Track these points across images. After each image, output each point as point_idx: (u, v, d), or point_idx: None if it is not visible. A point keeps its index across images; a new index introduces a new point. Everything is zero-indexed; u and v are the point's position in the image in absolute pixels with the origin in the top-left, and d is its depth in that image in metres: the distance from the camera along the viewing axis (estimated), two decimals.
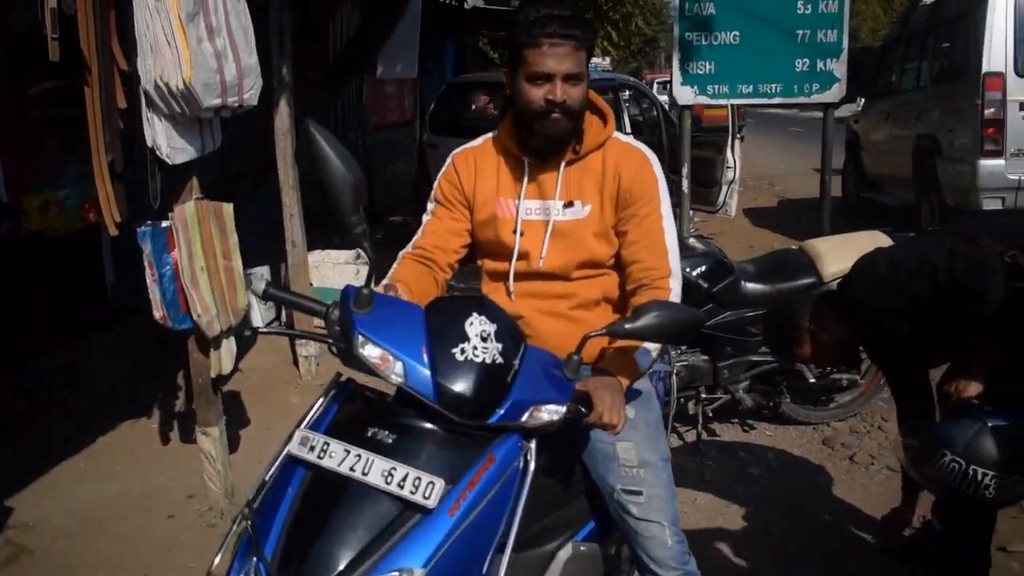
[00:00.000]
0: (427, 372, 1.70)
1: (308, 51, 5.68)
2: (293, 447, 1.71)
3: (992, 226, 3.10)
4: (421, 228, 2.34)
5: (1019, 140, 7.26)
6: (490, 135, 2.34)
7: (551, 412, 1.81)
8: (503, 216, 2.26)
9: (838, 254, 4.34)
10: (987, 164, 7.32)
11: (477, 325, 1.77)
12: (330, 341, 1.80)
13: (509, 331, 1.83)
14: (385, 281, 2.11)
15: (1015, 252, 2.72)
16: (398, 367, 1.70)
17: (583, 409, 1.89)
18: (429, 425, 1.73)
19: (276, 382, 5.36)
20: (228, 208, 3.69)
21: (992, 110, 7.24)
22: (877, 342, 2.96)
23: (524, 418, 1.78)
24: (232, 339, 3.79)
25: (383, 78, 9.85)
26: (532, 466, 1.80)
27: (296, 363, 5.54)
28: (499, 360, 1.76)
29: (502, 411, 1.74)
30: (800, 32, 5.92)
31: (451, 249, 2.32)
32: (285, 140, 4.98)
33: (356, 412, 1.80)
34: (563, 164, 2.22)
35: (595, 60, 23.05)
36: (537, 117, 2.12)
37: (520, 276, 2.26)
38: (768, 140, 21.41)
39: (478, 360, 1.73)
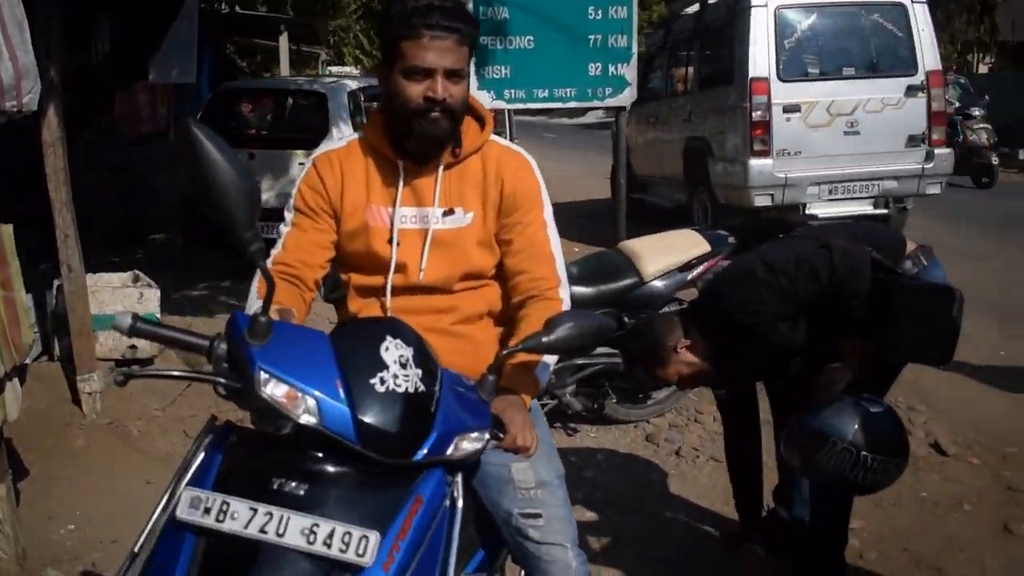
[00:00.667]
0: (345, 408, 1.46)
1: (73, 54, 5.09)
2: (182, 511, 1.42)
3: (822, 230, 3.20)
4: (280, 242, 2.07)
5: (784, 140, 7.78)
6: (354, 136, 2.11)
7: (474, 441, 1.64)
8: (376, 225, 2.04)
9: (657, 253, 4.41)
10: (757, 163, 7.78)
11: (394, 350, 1.55)
12: (220, 381, 1.51)
13: (425, 353, 1.63)
14: (254, 305, 1.83)
15: (870, 248, 2.82)
16: (309, 404, 1.45)
17: (500, 435, 1.73)
18: (344, 468, 1.49)
19: (55, 424, 4.74)
20: (7, 231, 3.20)
21: (759, 112, 7.71)
22: (752, 351, 2.93)
23: (449, 451, 1.58)
24: (16, 381, 3.30)
25: (157, 82, 9.14)
26: (460, 503, 1.61)
27: (77, 401, 4.94)
28: (421, 388, 1.56)
29: (428, 445, 1.54)
30: (592, 37, 6.00)
31: (317, 264, 2.07)
32: (55, 152, 4.40)
33: (249, 461, 1.53)
34: (441, 168, 2.03)
35: (346, 68, 22.70)
36: (415, 116, 1.92)
37: (397, 291, 2.05)
38: (524, 146, 21.77)
39: (400, 390, 1.52)
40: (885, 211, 8.07)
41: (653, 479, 4.22)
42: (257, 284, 1.96)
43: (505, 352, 1.76)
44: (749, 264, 2.80)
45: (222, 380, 1.50)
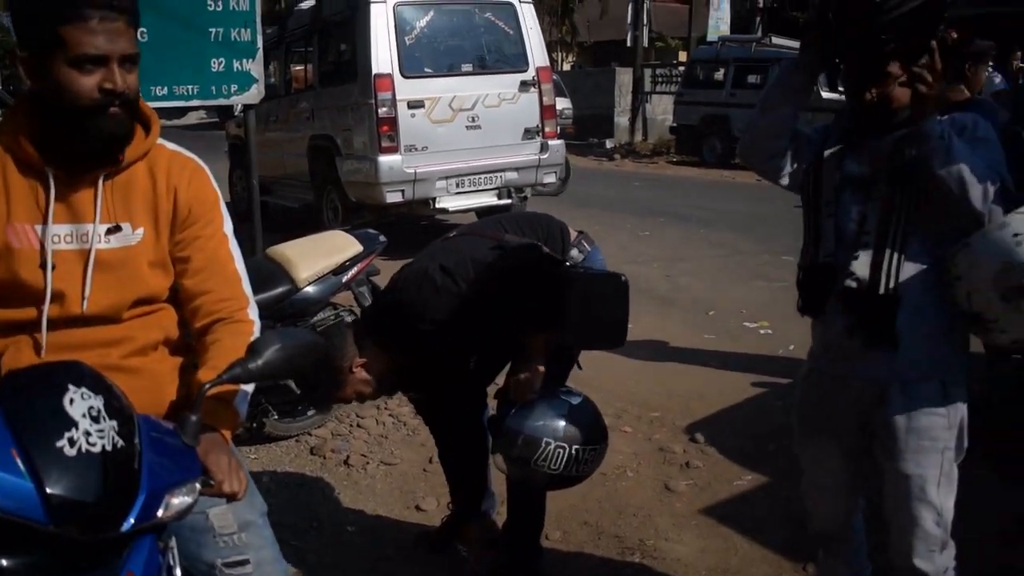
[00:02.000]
0: (26, 482, 1.16)
1: None
2: None
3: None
4: None
5: (411, 136, 7.87)
6: None
7: (185, 494, 1.39)
8: (22, 247, 1.68)
9: (308, 258, 4.20)
10: (386, 160, 7.79)
11: (80, 402, 1.26)
12: None
13: (117, 400, 1.35)
14: None
15: (540, 240, 2.86)
16: None
17: (211, 481, 1.50)
18: (30, 559, 1.19)
19: None
20: None
21: (385, 109, 7.72)
22: (435, 357, 2.83)
23: (161, 512, 1.33)
24: None
25: None
26: (178, 571, 1.36)
27: None
28: (120, 443, 1.28)
29: (136, 511, 1.27)
30: (213, 31, 5.57)
31: None
32: None
33: None
34: (101, 178, 1.72)
35: None
36: (91, 113, 1.60)
37: (54, 324, 1.71)
38: None
39: (96, 449, 1.24)
40: (509, 201, 8.45)
41: (327, 494, 4.03)
42: None
43: (208, 385, 1.52)
44: (426, 271, 2.71)
45: None
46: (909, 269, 2.07)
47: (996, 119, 4.33)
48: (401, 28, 7.81)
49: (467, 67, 8.28)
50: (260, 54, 5.71)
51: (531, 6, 8.50)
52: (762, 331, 5.87)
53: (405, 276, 2.79)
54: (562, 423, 2.66)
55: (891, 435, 2.16)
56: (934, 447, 2.14)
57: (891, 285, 2.06)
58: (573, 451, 2.64)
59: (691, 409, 4.68)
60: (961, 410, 2.17)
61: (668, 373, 5.28)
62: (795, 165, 2.27)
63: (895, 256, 2.06)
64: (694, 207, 11.22)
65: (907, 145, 2.05)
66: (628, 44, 21.85)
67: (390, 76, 7.69)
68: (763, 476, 3.89)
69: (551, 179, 8.71)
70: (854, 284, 2.09)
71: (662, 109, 20.62)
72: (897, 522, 2.21)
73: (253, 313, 1.89)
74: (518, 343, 2.80)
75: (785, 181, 2.29)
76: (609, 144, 19.93)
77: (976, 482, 2.49)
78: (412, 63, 7.93)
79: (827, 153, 2.20)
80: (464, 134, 8.11)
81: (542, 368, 2.72)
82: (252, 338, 1.70)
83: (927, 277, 2.08)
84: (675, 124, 17.44)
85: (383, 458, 4.28)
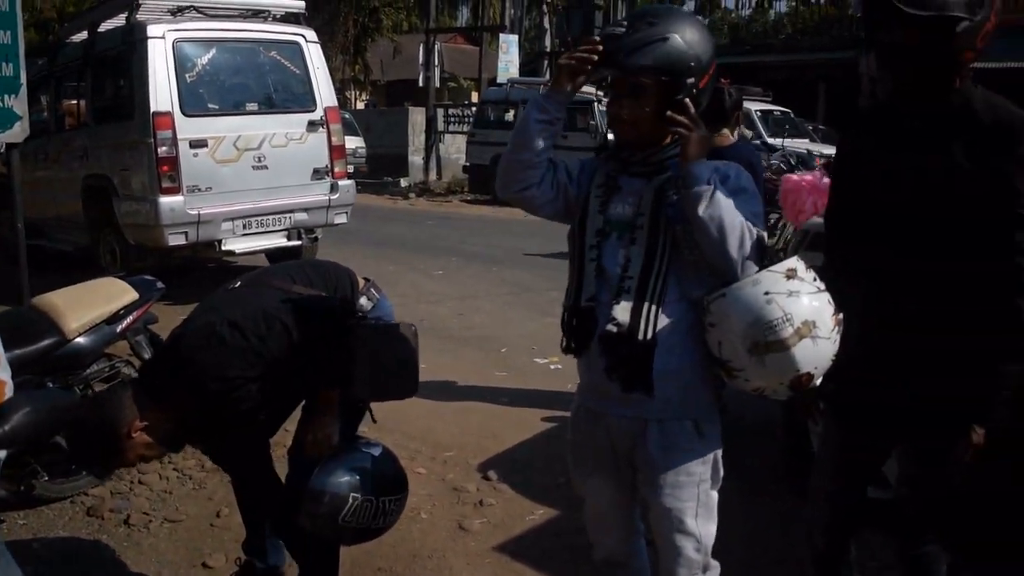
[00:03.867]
0: None
1: None
2: None
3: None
4: None
5: (194, 176, 7.58)
6: None
7: None
8: None
9: (78, 307, 3.96)
10: (167, 201, 7.47)
11: None
12: None
13: None
14: None
15: (329, 288, 2.83)
16: None
17: None
18: None
19: None
20: None
21: (165, 148, 7.41)
22: (222, 415, 2.68)
23: None
24: None
25: None
26: None
27: None
28: None
29: None
30: None
31: None
32: None
33: None
34: None
35: None
36: None
37: None
38: None
39: None
40: (299, 242, 8.29)
41: (106, 557, 3.77)
42: None
43: None
44: (213, 327, 2.59)
45: None
46: (668, 314, 2.17)
47: (759, 162, 4.67)
48: (181, 65, 7.54)
49: (252, 106, 8.08)
50: (24, 90, 5.36)
51: (318, 45, 8.44)
52: (552, 366, 6.02)
53: (190, 332, 2.66)
54: (367, 476, 2.64)
55: (650, 471, 2.28)
56: (691, 481, 2.26)
57: (650, 331, 2.15)
58: (380, 503, 2.64)
59: (484, 447, 4.74)
60: (715, 445, 2.31)
61: (461, 412, 5.33)
62: (554, 195, 2.29)
63: (655, 301, 2.15)
64: (486, 245, 11.44)
65: (671, 188, 2.17)
66: (420, 84, 22.11)
67: (170, 114, 7.40)
68: (554, 509, 3.99)
69: (342, 219, 8.63)
70: (614, 329, 2.16)
71: (456, 148, 20.96)
72: (662, 550, 2.33)
73: (4, 374, 1.76)
74: (309, 398, 2.75)
75: (545, 211, 2.33)
76: (404, 183, 20.05)
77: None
78: (194, 101, 7.65)
79: (592, 195, 2.27)
80: (250, 174, 7.90)
81: (336, 421, 2.69)
82: None
83: (685, 321, 2.18)
84: (468, 163, 17.76)
85: (167, 515, 4.06)
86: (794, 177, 7.04)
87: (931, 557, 2.43)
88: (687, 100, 2.12)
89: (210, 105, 7.86)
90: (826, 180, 7.75)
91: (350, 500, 2.61)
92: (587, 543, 2.62)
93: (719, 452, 2.32)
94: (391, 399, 2.94)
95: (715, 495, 2.32)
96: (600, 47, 2.11)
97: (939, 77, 2.14)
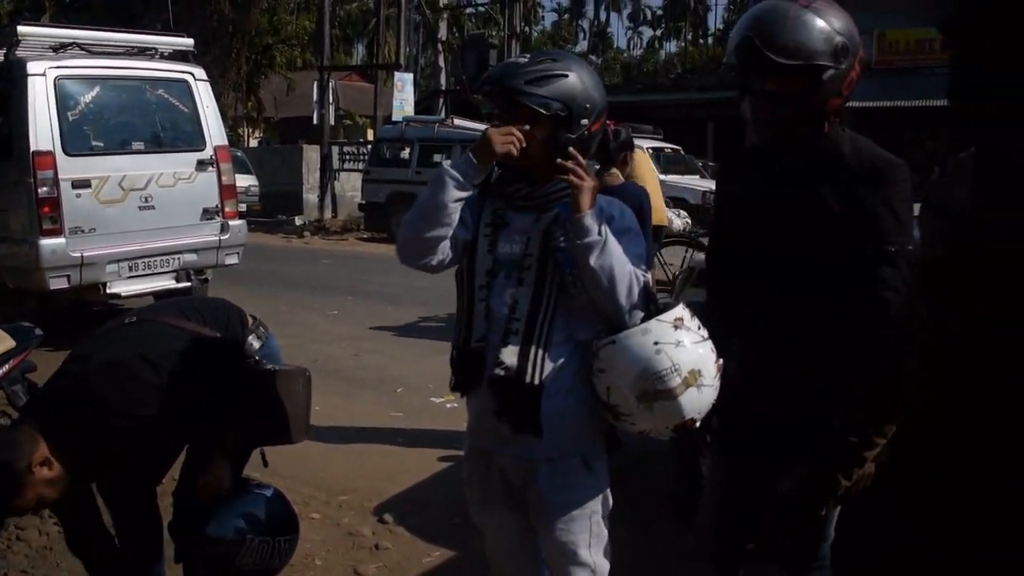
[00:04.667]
0: None
1: None
2: None
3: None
4: None
5: (77, 217, 7.36)
6: None
7: None
8: None
9: None
10: (48, 243, 7.22)
11: None
12: None
13: None
14: None
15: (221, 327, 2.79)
16: None
17: None
18: None
19: None
20: None
21: (46, 189, 7.17)
22: (127, 453, 2.64)
23: None
24: None
25: None
26: None
27: None
28: None
29: None
30: None
31: None
32: None
33: None
34: None
35: None
36: None
37: None
38: None
39: None
40: (188, 284, 8.11)
41: None
42: None
43: None
44: (122, 362, 2.55)
45: None
46: (556, 356, 2.21)
47: (648, 201, 4.80)
48: (64, 103, 7.32)
49: (139, 145, 7.89)
50: None
51: (207, 83, 8.32)
52: (448, 405, 6.01)
53: (96, 366, 2.60)
54: (262, 517, 2.67)
55: (542, 508, 2.32)
56: (582, 514, 2.31)
57: (537, 375, 2.18)
58: (276, 543, 2.68)
59: (379, 490, 4.69)
60: (603, 477, 2.36)
61: (356, 454, 5.27)
62: (456, 255, 2.30)
63: (542, 345, 2.19)
64: (382, 284, 11.38)
65: (558, 230, 2.20)
66: (315, 121, 21.95)
67: (51, 154, 7.16)
68: (450, 550, 3.98)
69: (233, 260, 8.48)
70: (502, 373, 2.19)
71: (351, 186, 20.81)
72: None
73: None
74: (198, 439, 2.70)
75: (444, 269, 2.33)
76: (298, 221, 19.79)
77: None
78: (76, 140, 7.44)
79: (481, 234, 2.28)
80: (137, 215, 7.70)
81: (229, 465, 2.66)
82: None
83: (572, 363, 2.22)
84: (364, 201, 17.68)
85: (47, 573, 3.89)
86: None
87: None
88: (575, 148, 2.17)
89: (94, 144, 7.66)
90: None
91: (247, 541, 2.64)
92: None
93: (607, 484, 2.37)
94: (281, 443, 2.92)
95: (606, 525, 2.37)
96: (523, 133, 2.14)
97: (808, 122, 2.25)
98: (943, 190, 1.54)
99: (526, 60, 2.20)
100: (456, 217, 2.21)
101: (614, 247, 2.15)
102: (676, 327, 2.12)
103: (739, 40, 2.17)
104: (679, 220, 10.36)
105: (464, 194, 2.19)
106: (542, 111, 2.15)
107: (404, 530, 4.22)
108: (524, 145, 2.14)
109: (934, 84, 21.33)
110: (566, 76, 2.16)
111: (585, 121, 2.20)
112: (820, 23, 2.13)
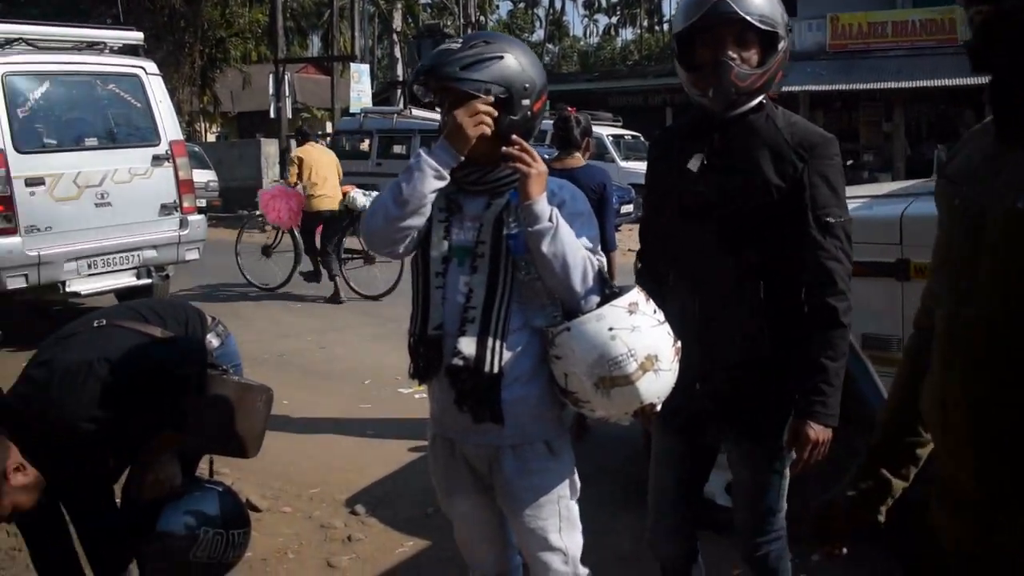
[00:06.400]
0: None
1: None
2: None
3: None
4: None
5: (32, 216, 7.22)
6: None
7: None
8: None
9: None
10: (3, 242, 7.08)
11: None
12: None
13: None
14: None
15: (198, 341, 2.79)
16: None
17: None
18: None
19: None
20: None
21: None
22: (83, 457, 2.59)
23: None
24: None
25: None
26: None
27: None
28: None
29: None
30: None
31: None
32: None
33: None
34: None
35: None
36: None
37: None
38: None
39: None
40: (149, 280, 8.01)
41: None
42: None
43: None
44: (90, 365, 2.52)
45: None
46: (513, 343, 2.18)
47: (610, 182, 4.81)
48: (13, 100, 7.15)
49: (92, 141, 7.74)
50: None
51: (159, 77, 8.18)
52: (417, 395, 5.98)
53: (61, 370, 2.55)
54: (216, 511, 2.68)
55: (509, 494, 2.31)
56: (549, 499, 2.30)
57: (496, 364, 2.16)
58: (229, 535, 2.69)
59: (350, 482, 4.66)
60: (568, 460, 2.35)
61: (326, 446, 5.24)
62: (419, 239, 2.26)
63: (499, 334, 2.16)
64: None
65: (510, 216, 2.17)
66: (272, 115, 21.73)
67: (3, 152, 7.01)
68: (424, 540, 3.96)
69: (193, 256, 8.37)
70: (460, 363, 2.17)
71: None
72: (532, 568, 2.38)
73: None
74: (148, 440, 2.68)
75: (404, 253, 2.29)
76: (259, 215, 19.57)
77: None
78: (28, 137, 7.27)
79: (435, 219, 2.23)
80: (93, 212, 7.56)
81: (175, 463, 2.65)
82: None
83: (530, 349, 2.20)
84: None
85: (16, 574, 3.82)
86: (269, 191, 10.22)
87: (774, 556, 2.52)
88: (520, 130, 2.15)
89: (46, 141, 7.50)
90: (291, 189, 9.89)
91: (200, 534, 2.65)
92: (458, 572, 2.61)
93: (573, 466, 2.37)
94: (234, 455, 2.94)
95: (576, 506, 2.37)
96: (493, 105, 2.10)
97: (756, 94, 2.28)
98: (959, 161, 1.55)
99: (458, 45, 2.14)
100: (427, 206, 2.17)
101: (566, 233, 2.13)
102: (631, 312, 2.09)
103: (710, 2, 2.18)
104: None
105: (441, 184, 2.15)
106: (481, 96, 2.11)
107: (376, 521, 4.20)
108: (497, 116, 2.10)
109: (887, 66, 21.80)
110: (501, 58, 2.12)
111: (526, 102, 2.17)
112: None
